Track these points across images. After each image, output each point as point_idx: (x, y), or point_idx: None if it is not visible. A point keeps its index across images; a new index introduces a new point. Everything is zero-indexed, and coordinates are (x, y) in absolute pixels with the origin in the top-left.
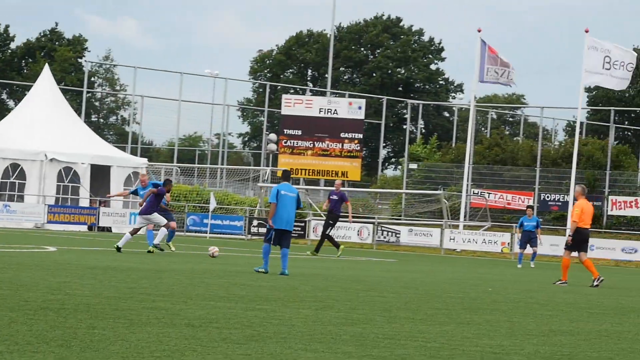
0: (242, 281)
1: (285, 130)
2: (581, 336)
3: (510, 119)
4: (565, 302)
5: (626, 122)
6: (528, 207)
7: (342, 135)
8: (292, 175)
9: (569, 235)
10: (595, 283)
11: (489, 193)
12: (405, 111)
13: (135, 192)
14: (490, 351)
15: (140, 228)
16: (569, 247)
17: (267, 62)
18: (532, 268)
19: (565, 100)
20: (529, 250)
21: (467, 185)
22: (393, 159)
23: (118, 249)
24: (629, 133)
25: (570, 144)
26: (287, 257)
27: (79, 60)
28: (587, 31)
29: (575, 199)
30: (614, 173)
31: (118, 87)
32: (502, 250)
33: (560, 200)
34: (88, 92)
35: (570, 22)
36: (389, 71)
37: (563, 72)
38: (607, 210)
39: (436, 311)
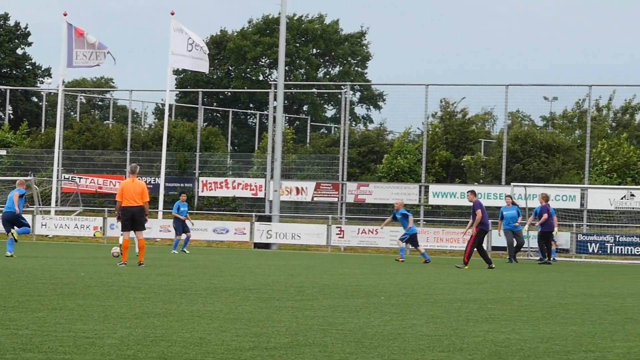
0: None
1: None
2: (174, 317)
3: (100, 103)
4: (158, 284)
5: (215, 104)
6: (182, 193)
7: None
8: None
9: (117, 213)
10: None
11: (80, 178)
12: None
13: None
14: (83, 336)
15: None
16: (125, 228)
17: None
18: (174, 254)
19: (154, 83)
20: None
21: (58, 170)
22: None
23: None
24: (218, 114)
25: (160, 126)
26: None
27: None
28: (172, 14)
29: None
30: (204, 155)
31: None
32: (94, 235)
33: (152, 183)
34: None
35: (158, 3)
36: None
37: (152, 54)
38: (198, 192)
39: (28, 298)
